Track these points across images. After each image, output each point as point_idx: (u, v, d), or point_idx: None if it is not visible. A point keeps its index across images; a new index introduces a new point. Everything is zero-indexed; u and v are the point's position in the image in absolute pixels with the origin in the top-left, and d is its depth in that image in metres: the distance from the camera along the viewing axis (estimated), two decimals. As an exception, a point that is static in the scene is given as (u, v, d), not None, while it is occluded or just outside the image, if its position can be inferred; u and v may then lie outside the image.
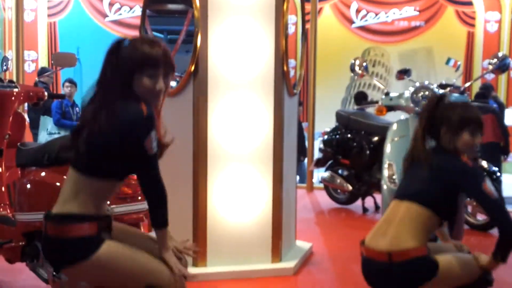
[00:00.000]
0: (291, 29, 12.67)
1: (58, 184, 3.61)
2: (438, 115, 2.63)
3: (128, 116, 2.23)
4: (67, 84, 8.94)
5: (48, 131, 8.26)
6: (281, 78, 4.10)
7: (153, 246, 2.42)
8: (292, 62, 12.09)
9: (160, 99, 2.36)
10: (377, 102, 3.96)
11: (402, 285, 2.61)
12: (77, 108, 8.77)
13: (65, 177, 3.54)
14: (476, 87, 10.30)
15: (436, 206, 2.60)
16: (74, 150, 2.35)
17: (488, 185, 2.55)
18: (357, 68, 5.65)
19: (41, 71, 9.25)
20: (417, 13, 12.14)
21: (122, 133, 2.23)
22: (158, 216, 2.35)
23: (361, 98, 9.83)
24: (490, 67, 4.17)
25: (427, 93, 3.86)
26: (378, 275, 2.64)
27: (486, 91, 9.39)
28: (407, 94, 4.02)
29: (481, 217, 5.99)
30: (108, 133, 2.23)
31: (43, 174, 3.65)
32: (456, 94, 4.00)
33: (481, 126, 2.64)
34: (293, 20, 12.54)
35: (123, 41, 2.32)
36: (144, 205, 3.13)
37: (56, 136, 7.98)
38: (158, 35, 4.83)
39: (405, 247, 2.53)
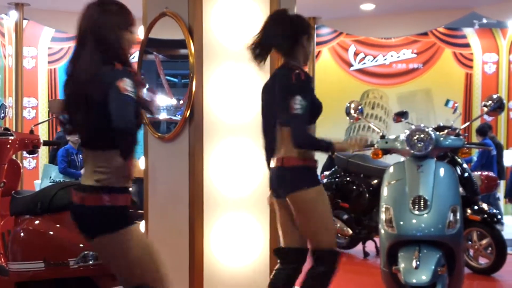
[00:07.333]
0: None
1: (51, 232, 3.57)
2: None
3: None
4: None
5: (52, 179, 8.19)
6: (277, 122, 4.08)
7: None
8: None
9: None
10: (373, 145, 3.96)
11: None
12: (81, 156, 8.77)
13: (58, 225, 3.52)
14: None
15: None
16: None
17: None
18: (352, 112, 5.64)
19: None
20: (415, 55, 12.22)
21: None
22: None
23: None
24: (485, 109, 4.16)
25: (422, 136, 3.84)
26: None
27: (486, 127, 9.51)
28: (402, 137, 3.99)
29: (483, 261, 5.92)
30: None
31: (36, 222, 3.62)
32: (452, 137, 3.97)
33: None
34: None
35: None
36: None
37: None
38: (172, 80, 4.96)
39: None
